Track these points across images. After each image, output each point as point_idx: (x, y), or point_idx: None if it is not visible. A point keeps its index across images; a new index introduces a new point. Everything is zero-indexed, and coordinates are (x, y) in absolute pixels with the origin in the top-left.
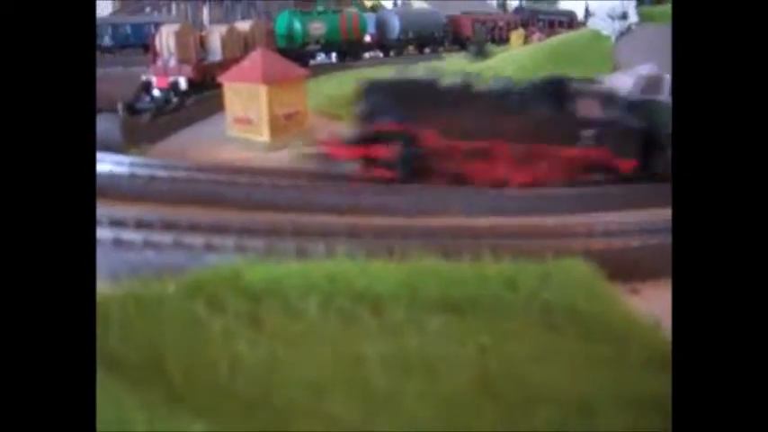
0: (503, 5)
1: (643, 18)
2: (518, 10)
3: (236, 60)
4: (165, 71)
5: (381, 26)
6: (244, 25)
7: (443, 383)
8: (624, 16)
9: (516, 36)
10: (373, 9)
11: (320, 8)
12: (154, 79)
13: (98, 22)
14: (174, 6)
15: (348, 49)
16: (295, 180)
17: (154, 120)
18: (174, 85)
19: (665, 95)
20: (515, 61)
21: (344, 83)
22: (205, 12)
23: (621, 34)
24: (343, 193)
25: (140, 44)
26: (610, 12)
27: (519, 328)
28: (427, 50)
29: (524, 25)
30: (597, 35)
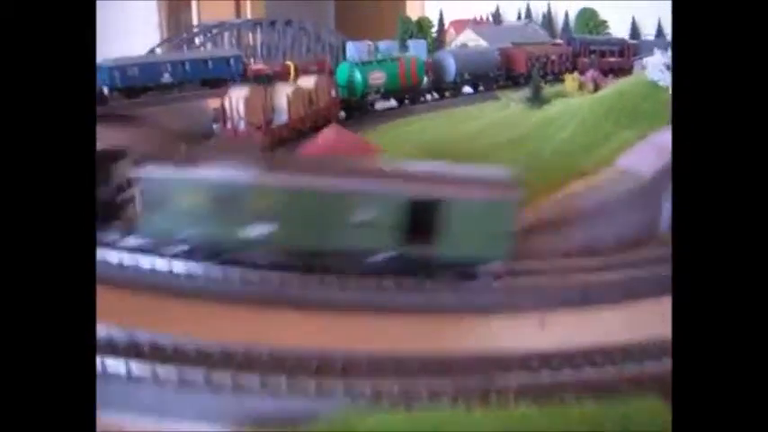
0: (548, 26)
1: None
2: (570, 41)
3: (302, 120)
4: (236, 135)
5: (437, 69)
6: (308, 81)
7: None
8: None
9: (571, 80)
10: (420, 26)
11: (380, 56)
12: None
13: (157, 59)
14: (225, 34)
15: (407, 95)
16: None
17: None
18: None
19: None
20: (576, 116)
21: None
22: (258, 38)
23: None
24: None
25: (199, 79)
26: (666, 62)
27: None
28: (481, 88)
29: (576, 55)
30: (654, 87)
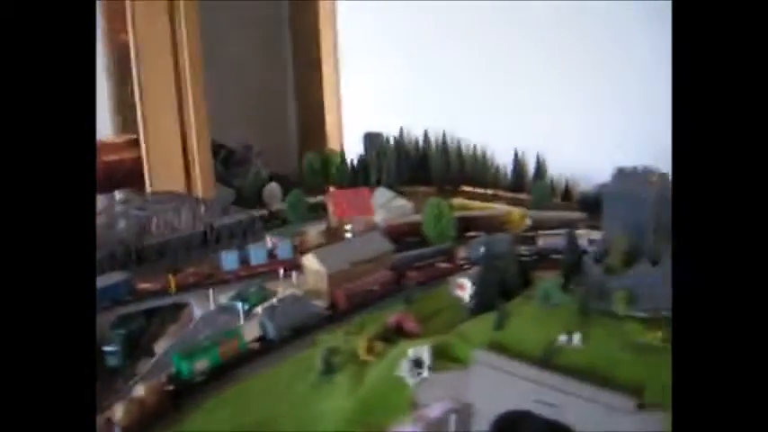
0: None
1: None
2: (395, 262)
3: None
4: None
5: (261, 329)
6: (139, 391)
7: None
8: (420, 365)
9: (362, 349)
10: (325, 162)
11: (207, 343)
12: None
13: None
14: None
15: (230, 366)
16: None
17: None
18: None
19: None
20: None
21: None
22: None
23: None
24: None
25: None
26: (414, 362)
27: None
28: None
29: (401, 273)
30: (401, 383)
